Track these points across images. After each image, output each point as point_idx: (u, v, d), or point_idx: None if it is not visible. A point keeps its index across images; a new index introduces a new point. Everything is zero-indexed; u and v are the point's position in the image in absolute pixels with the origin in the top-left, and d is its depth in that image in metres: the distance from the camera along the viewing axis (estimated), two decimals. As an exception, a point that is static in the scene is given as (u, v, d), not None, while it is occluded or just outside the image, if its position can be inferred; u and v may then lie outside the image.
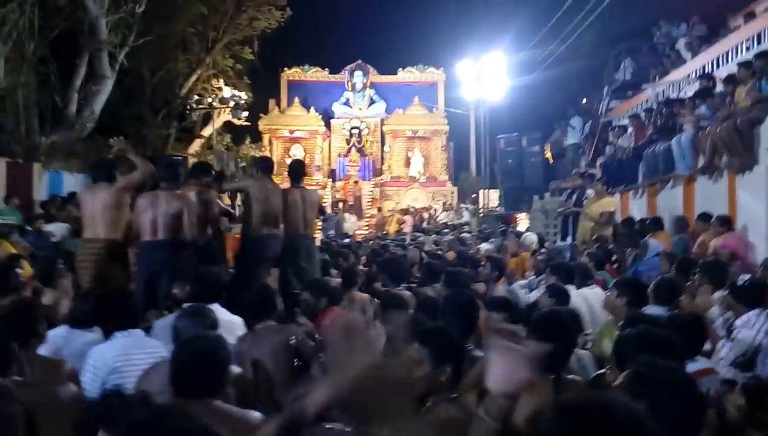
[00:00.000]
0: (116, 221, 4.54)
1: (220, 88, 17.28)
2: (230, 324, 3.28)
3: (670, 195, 8.03)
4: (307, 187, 6.39)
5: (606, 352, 3.04)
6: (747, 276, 3.50)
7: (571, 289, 4.25)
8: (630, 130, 10.25)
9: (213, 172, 5.74)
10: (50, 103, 12.52)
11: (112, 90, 12.81)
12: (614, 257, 6.50)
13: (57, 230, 8.30)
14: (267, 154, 19.51)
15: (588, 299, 4.26)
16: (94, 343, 3.03)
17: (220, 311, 3.27)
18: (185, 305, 3.26)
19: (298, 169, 6.10)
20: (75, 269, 4.66)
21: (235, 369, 2.67)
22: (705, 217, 6.48)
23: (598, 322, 3.96)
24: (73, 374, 2.75)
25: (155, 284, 4.35)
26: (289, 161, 19.94)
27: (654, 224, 7.28)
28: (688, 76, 10.39)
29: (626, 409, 1.05)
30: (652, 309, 3.57)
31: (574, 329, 2.51)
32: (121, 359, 2.84)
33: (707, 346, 3.14)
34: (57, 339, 3.12)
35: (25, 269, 5.12)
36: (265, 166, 5.87)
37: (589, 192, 8.84)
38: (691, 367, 2.55)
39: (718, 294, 3.67)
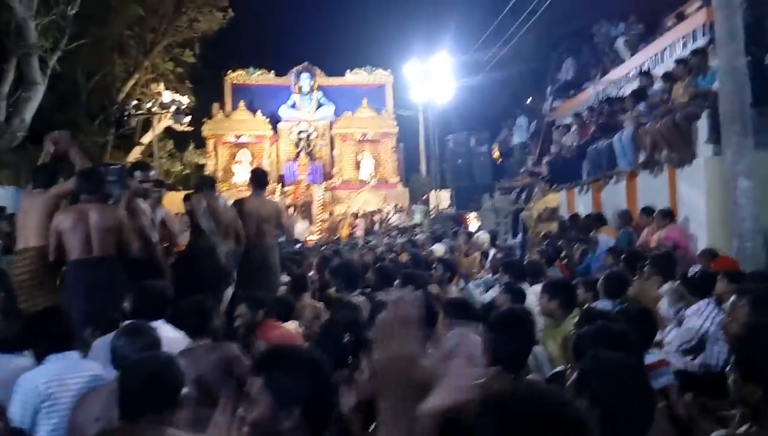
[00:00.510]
0: (48, 228, 4.14)
1: (159, 93, 16.69)
2: (173, 342, 3.08)
3: (614, 190, 8.24)
4: (267, 196, 6.21)
5: (552, 352, 3.04)
6: (697, 267, 3.58)
7: (525, 286, 4.25)
8: (573, 128, 10.49)
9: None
10: (-25, 110, 11.76)
11: (44, 96, 12.17)
12: (563, 254, 6.60)
13: (-17, 245, 7.78)
14: (211, 160, 19.03)
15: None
16: (25, 368, 2.81)
17: (163, 328, 3.08)
18: (124, 323, 3.05)
19: (260, 178, 5.92)
20: (7, 289, 4.31)
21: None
22: (648, 210, 6.68)
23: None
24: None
25: (92, 302, 4.04)
26: (236, 167, 19.69)
27: (598, 220, 7.47)
28: (627, 74, 10.72)
29: (556, 400, 1.05)
30: (602, 303, 3.61)
31: (532, 328, 2.48)
32: (54, 384, 2.64)
33: (658, 336, 3.19)
34: None
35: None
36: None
37: (536, 190, 8.99)
38: (647, 359, 2.56)
39: (666, 286, 3.74)
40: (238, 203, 5.63)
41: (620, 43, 11.78)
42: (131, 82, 17.01)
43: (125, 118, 16.69)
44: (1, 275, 5.03)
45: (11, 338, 3.03)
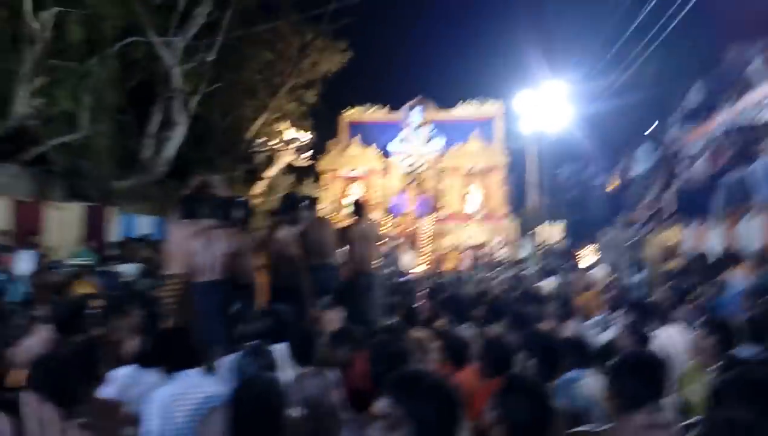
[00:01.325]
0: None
1: (280, 132, 17.81)
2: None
3: (750, 226, 7.51)
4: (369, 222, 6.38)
5: (691, 399, 2.78)
6: None
7: (651, 328, 3.97)
8: (702, 158, 9.76)
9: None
10: (127, 149, 13.26)
11: (184, 135, 13.43)
12: (691, 295, 6.08)
13: (128, 270, 8.67)
14: (327, 193, 19.90)
15: (670, 338, 3.96)
16: (156, 384, 2.94)
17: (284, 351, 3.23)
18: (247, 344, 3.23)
19: (361, 206, 6.13)
20: (147, 308, 4.75)
21: (295, 412, 2.62)
22: (792, 249, 6.00)
23: (676, 365, 3.66)
24: (131, 417, 2.74)
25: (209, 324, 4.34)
26: (347, 200, 20.40)
27: (733, 257, 6.82)
28: (763, 100, 9.82)
29: None
30: (743, 350, 3.28)
31: (661, 373, 2.26)
32: (179, 400, 2.74)
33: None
34: (125, 379, 3.12)
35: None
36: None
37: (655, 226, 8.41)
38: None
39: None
40: (342, 231, 5.81)
41: (754, 69, 10.85)
42: (260, 122, 18.35)
43: (252, 154, 17.97)
44: (140, 296, 5.56)
45: (148, 354, 3.20)
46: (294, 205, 5.33)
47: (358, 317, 4.97)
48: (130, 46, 12.23)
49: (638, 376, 2.17)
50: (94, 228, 10.96)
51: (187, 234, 4.55)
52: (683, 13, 10.52)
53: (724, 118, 10.90)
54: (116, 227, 11.85)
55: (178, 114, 13.03)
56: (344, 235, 5.73)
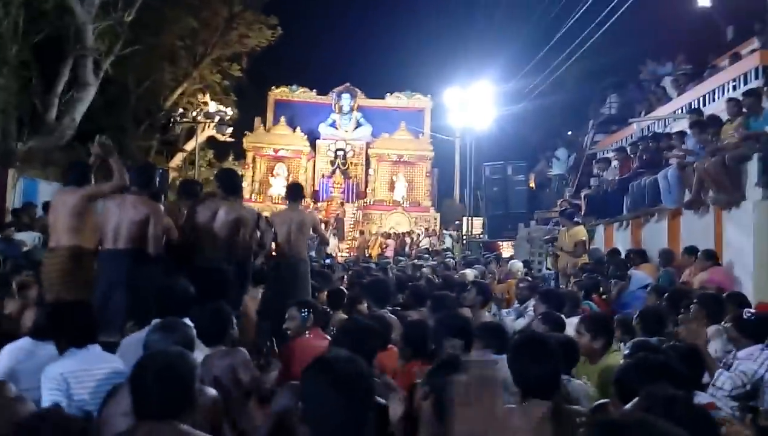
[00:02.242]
0: (79, 227, 4.17)
1: (205, 103, 17.13)
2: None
3: (655, 228, 8.03)
4: (302, 208, 6.22)
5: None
6: (751, 310, 3.43)
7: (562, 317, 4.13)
8: (615, 163, 10.32)
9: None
10: (29, 108, 12.21)
11: (94, 98, 12.55)
12: (601, 288, 6.42)
13: (28, 238, 8.02)
14: (249, 171, 19.36)
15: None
16: (52, 357, 2.81)
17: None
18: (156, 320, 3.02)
19: (296, 191, 5.97)
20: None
21: (211, 391, 2.48)
22: (691, 250, 6.47)
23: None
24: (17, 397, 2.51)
25: (112, 295, 4.06)
26: (273, 180, 19.97)
27: (639, 256, 7.26)
28: (675, 112, 10.54)
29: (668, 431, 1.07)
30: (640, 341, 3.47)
31: (557, 353, 2.34)
32: (72, 377, 2.63)
33: (704, 378, 3.05)
34: (19, 352, 2.97)
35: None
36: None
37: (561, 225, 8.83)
38: (695, 401, 2.43)
39: (713, 327, 3.59)
40: (273, 215, 5.70)
41: (668, 82, 11.62)
42: (179, 91, 17.53)
43: (170, 124, 17.14)
44: (38, 265, 5.11)
45: (45, 327, 3.03)
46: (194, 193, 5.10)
47: (283, 299, 4.82)
48: (39, -4, 11.25)
49: (536, 355, 2.22)
50: (-12, 191, 10.03)
51: (69, 203, 4.19)
52: (605, 27, 11.05)
53: (636, 127, 11.61)
54: (16, 191, 10.91)
55: (88, 74, 12.10)
56: (276, 218, 5.57)
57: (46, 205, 9.83)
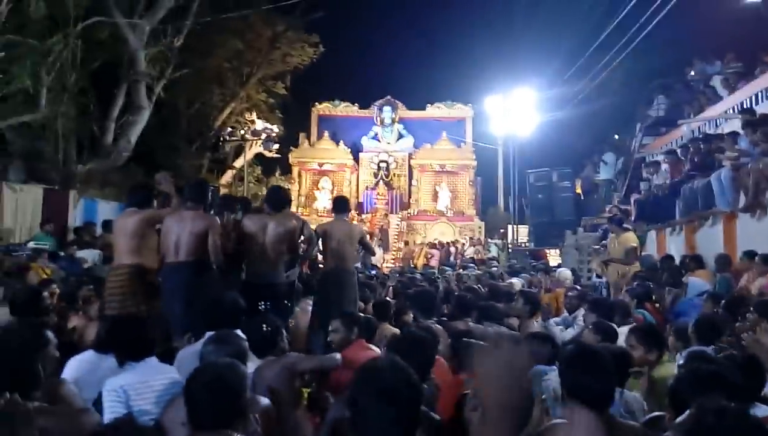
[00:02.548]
0: (139, 247, 4.39)
1: (252, 121, 17.65)
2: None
3: (710, 232, 7.74)
4: (348, 220, 6.33)
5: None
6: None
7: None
8: (665, 166, 10.02)
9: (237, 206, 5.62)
10: (88, 132, 12.87)
11: (148, 120, 13.13)
12: (654, 296, 6.23)
13: (89, 255, 8.41)
14: (295, 185, 19.75)
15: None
16: (113, 370, 2.88)
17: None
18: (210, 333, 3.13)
19: (342, 204, 6.09)
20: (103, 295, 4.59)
21: (264, 400, 2.56)
22: (750, 254, 6.21)
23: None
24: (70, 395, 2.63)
25: (174, 306, 4.24)
26: (318, 194, 20.30)
27: (695, 262, 7.01)
28: (726, 112, 10.16)
29: None
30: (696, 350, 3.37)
31: (612, 365, 2.28)
32: (132, 390, 2.69)
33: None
34: (83, 364, 3.05)
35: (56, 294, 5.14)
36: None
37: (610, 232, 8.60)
38: (755, 414, 2.34)
39: (774, 335, 3.44)
40: (321, 227, 5.79)
41: (717, 81, 11.22)
42: (227, 111, 18.12)
43: (220, 143, 17.73)
44: (99, 282, 5.36)
45: (102, 340, 3.14)
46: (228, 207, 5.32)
47: (331, 310, 4.90)
48: (95, 26, 11.85)
49: (586, 370, 2.13)
50: (52, 212, 10.57)
51: (131, 224, 4.41)
52: (650, 27, 10.79)
53: (686, 128, 11.24)
54: (77, 211, 11.47)
55: (142, 98, 12.69)
56: (324, 230, 5.68)
57: (105, 224, 10.33)
